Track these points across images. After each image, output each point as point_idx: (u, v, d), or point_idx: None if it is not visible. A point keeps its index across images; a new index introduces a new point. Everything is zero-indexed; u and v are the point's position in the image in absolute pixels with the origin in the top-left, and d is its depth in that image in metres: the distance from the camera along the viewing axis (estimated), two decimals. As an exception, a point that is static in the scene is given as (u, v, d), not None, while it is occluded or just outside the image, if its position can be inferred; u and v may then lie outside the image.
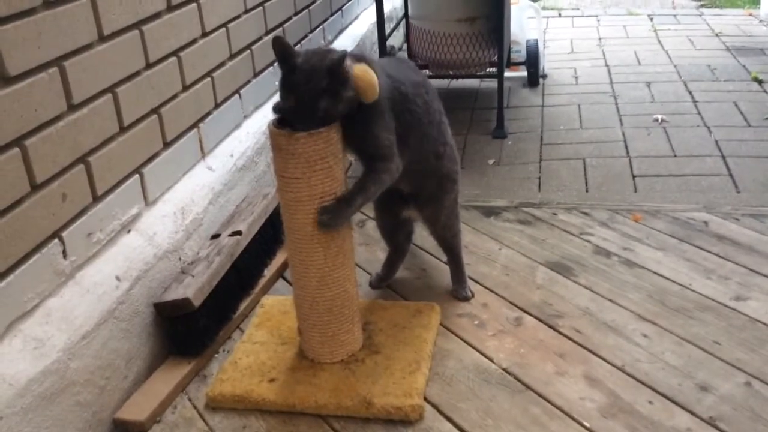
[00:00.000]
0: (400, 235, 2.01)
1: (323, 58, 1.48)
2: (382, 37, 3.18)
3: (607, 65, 3.96)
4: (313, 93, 1.47)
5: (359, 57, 1.60)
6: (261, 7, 2.42)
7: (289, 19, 2.69)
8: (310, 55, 1.51)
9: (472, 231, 2.30)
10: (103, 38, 1.61)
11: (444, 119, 1.84)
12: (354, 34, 3.56)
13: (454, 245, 1.97)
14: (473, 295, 1.97)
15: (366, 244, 2.27)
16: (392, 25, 3.74)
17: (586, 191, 2.59)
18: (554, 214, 2.39)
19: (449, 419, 1.57)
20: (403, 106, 1.67)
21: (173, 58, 1.90)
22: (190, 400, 1.68)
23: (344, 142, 1.60)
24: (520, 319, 1.87)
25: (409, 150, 1.70)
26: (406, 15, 3.47)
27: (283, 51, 1.50)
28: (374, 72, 1.54)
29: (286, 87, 1.51)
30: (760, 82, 3.54)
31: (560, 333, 1.81)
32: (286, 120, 1.55)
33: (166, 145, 1.89)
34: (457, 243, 1.98)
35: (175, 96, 1.92)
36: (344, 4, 3.49)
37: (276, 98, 1.60)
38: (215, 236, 1.97)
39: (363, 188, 1.62)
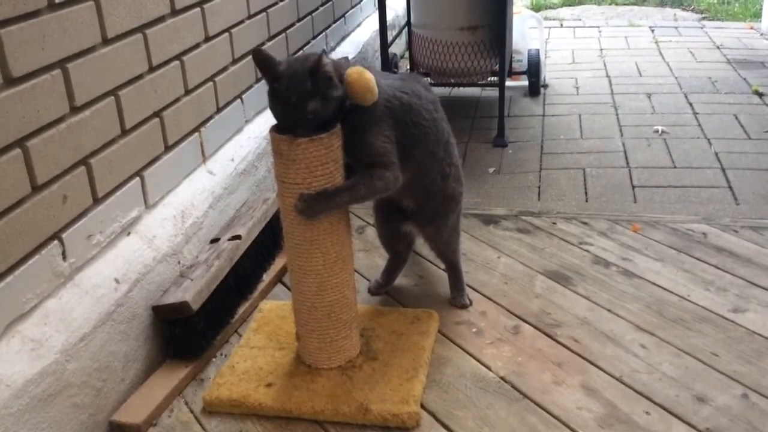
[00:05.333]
0: (401, 244, 2.01)
1: (304, 62, 1.49)
2: (385, 45, 3.20)
3: (608, 76, 3.97)
4: (299, 96, 1.47)
5: (360, 63, 1.61)
6: (264, 13, 2.43)
7: (292, 25, 2.70)
8: (292, 61, 1.52)
9: (471, 239, 2.30)
10: (106, 41, 1.62)
11: (452, 140, 1.84)
12: (356, 41, 3.57)
13: (453, 259, 1.98)
14: (471, 303, 1.97)
15: (365, 251, 2.27)
16: (394, 33, 3.75)
17: (586, 201, 2.59)
18: (553, 223, 2.39)
19: (446, 427, 1.57)
20: (407, 117, 1.66)
21: (176, 62, 1.91)
22: (186, 403, 1.68)
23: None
24: (518, 328, 1.87)
25: (415, 164, 1.70)
26: (408, 23, 3.49)
27: (263, 62, 1.51)
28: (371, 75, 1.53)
29: (273, 96, 1.51)
30: (760, 95, 3.55)
31: (558, 342, 1.81)
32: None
33: (168, 148, 1.89)
34: (457, 256, 1.98)
35: (177, 100, 1.92)
36: (347, 11, 3.50)
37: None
38: (215, 240, 1.97)
39: (351, 188, 1.59)
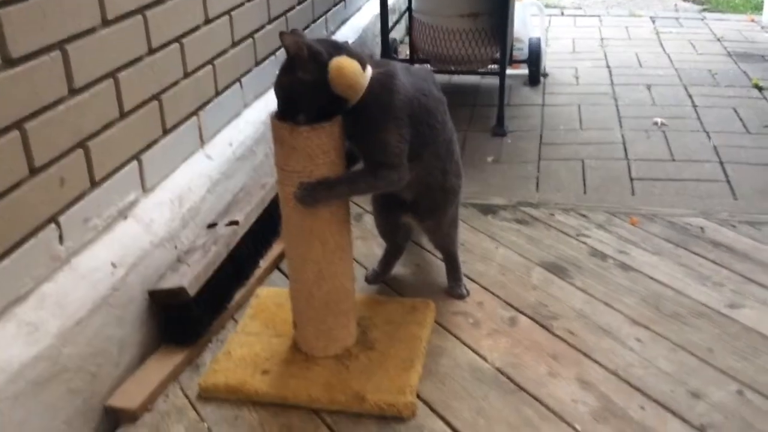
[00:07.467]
0: (399, 234, 2.01)
1: None
2: (385, 30, 3.17)
3: (608, 66, 3.96)
4: (279, 73, 1.53)
5: (378, 63, 1.59)
6: (265, -4, 2.41)
7: (293, 8, 2.67)
8: None
9: (469, 229, 2.30)
10: (106, 22, 1.60)
11: (454, 137, 1.83)
12: (357, 25, 3.54)
13: (451, 249, 1.98)
14: (469, 294, 1.97)
15: (363, 238, 2.26)
16: (395, 18, 3.72)
17: (584, 193, 2.59)
18: (551, 214, 2.39)
19: (441, 417, 1.57)
20: (423, 119, 1.64)
21: (175, 45, 1.88)
22: (182, 389, 1.68)
23: (351, 141, 1.57)
24: (514, 319, 1.87)
25: (421, 164, 1.69)
26: (409, 8, 3.46)
27: None
28: (361, 70, 1.50)
29: None
30: (760, 88, 3.54)
31: (554, 334, 1.81)
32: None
33: (166, 132, 1.87)
34: (455, 247, 1.98)
35: (176, 83, 1.90)
36: (348, -5, 3.47)
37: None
38: (212, 225, 1.96)
39: (352, 181, 1.60)
